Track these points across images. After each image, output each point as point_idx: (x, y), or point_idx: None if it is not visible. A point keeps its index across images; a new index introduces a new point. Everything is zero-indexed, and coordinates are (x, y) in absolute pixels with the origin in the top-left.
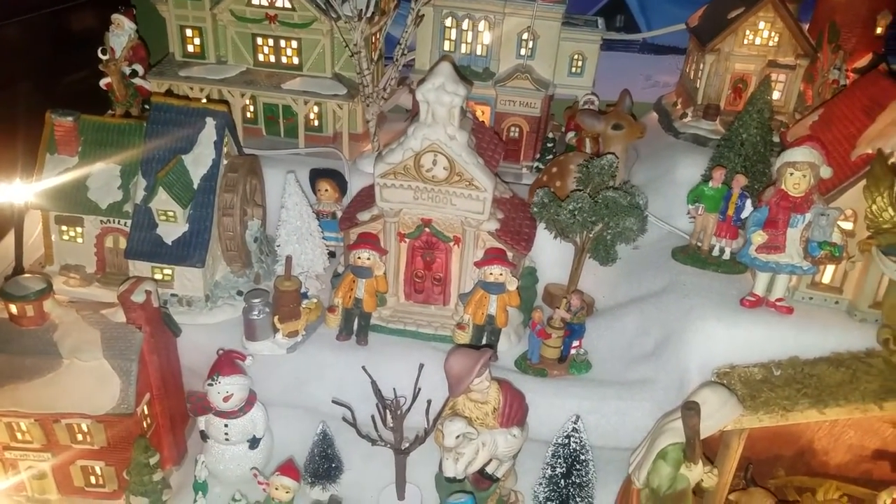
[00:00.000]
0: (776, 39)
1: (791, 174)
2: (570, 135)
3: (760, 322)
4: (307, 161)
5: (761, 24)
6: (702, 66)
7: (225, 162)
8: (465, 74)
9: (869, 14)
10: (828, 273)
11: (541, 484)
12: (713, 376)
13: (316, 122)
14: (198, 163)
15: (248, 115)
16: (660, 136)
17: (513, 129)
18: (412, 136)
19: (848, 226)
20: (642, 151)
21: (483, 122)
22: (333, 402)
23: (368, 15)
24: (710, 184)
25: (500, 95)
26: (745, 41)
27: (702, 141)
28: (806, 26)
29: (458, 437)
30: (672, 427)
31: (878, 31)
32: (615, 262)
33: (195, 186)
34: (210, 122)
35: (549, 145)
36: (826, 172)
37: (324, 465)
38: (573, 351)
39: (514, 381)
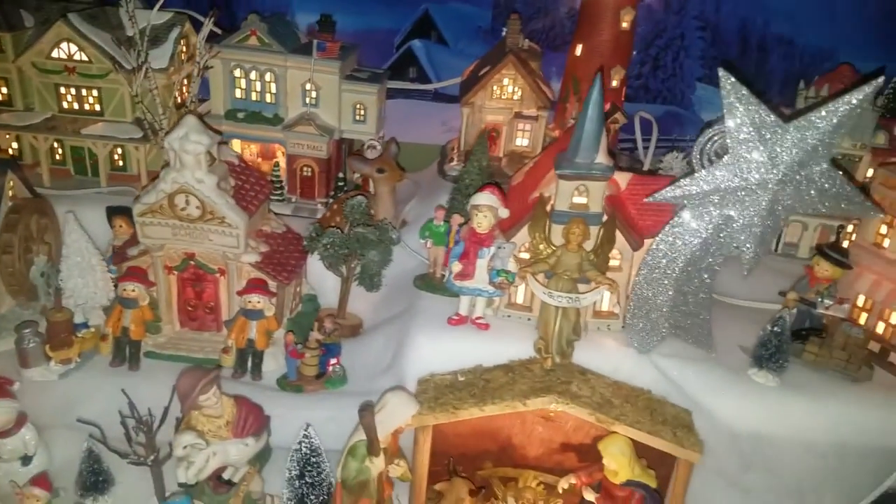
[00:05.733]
0: (519, 94)
1: (476, 214)
2: (357, 175)
3: (463, 337)
4: (110, 199)
5: (505, 81)
6: (461, 117)
7: (9, 204)
8: (251, 119)
9: (604, 69)
10: (520, 294)
11: (284, 487)
12: (416, 384)
13: (121, 163)
14: None
15: (58, 157)
16: (436, 177)
17: (305, 169)
18: (163, 179)
19: (527, 256)
20: (421, 191)
21: (249, 165)
22: (78, 420)
23: (144, 66)
24: (434, 221)
25: (289, 139)
26: (494, 95)
27: None
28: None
29: (185, 447)
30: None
31: (614, 83)
32: (380, 289)
33: None
34: None
35: (341, 184)
36: (503, 213)
37: (91, 478)
38: (330, 368)
39: (273, 397)
